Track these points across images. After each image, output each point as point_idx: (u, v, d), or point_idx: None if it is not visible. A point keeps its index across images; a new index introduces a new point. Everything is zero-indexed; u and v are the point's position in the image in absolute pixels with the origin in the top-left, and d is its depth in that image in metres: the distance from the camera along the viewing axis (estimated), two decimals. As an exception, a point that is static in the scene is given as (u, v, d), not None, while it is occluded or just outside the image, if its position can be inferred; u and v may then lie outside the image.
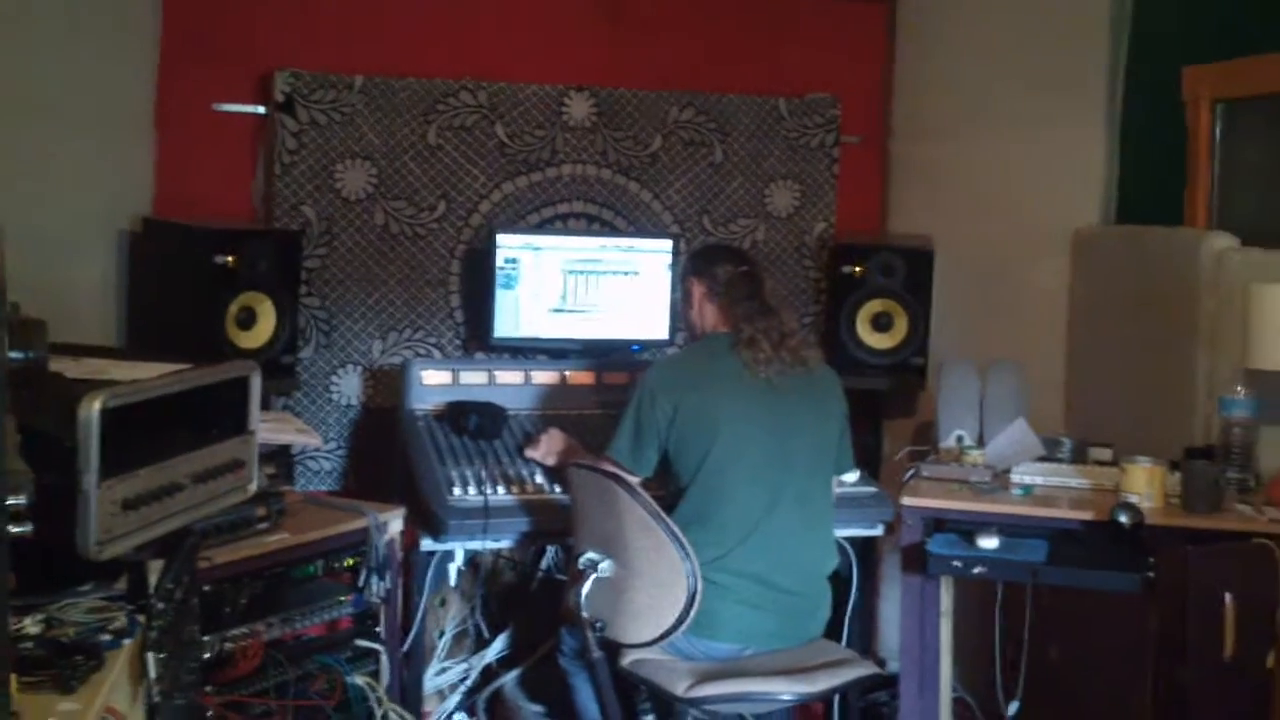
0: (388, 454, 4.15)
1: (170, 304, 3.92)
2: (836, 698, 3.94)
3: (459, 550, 3.74)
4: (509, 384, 4.19)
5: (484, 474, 3.75)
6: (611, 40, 4.74)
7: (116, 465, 1.92)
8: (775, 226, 4.86)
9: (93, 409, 1.86)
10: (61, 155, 3.73)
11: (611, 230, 4.67)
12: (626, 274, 4.45)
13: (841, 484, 3.69)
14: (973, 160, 4.74)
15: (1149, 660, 3.61)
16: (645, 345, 4.52)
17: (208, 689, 2.95)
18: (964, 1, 4.82)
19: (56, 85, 3.72)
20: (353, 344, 4.41)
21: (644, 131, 4.71)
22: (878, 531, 3.98)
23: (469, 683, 4.35)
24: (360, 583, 3.48)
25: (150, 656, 2.09)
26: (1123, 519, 3.39)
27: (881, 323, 4.58)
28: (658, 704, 3.47)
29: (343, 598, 3.44)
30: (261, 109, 4.32)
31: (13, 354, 1.73)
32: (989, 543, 3.50)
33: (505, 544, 3.84)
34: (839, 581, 3.67)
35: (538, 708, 4.22)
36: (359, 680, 3.41)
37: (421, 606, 3.74)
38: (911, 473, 3.93)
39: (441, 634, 4.34)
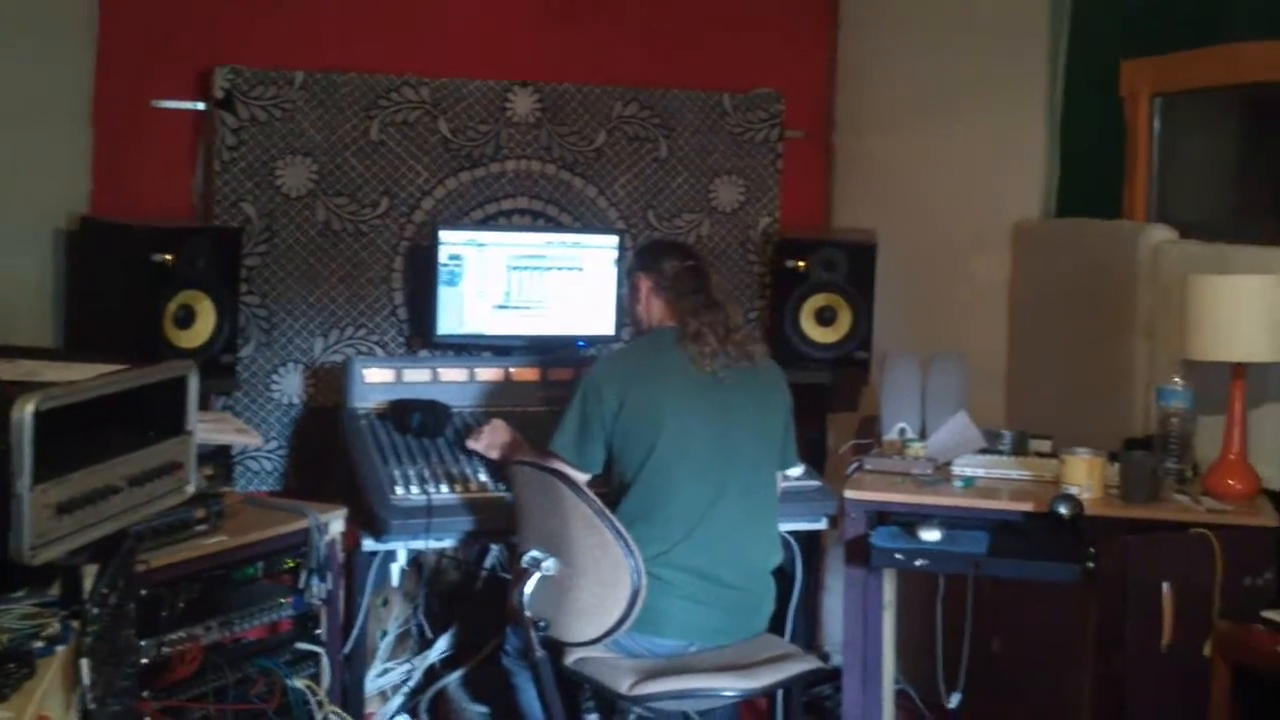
0: (329, 453, 4.12)
1: (108, 303, 3.87)
2: (780, 692, 3.94)
3: (401, 550, 3.72)
4: (453, 381, 4.16)
5: (427, 473, 3.74)
6: (555, 36, 4.72)
7: (50, 468, 1.90)
8: (720, 221, 4.87)
9: (25, 411, 1.85)
10: (-5, 153, 3.68)
11: (556, 226, 4.65)
12: (571, 270, 4.44)
13: (787, 478, 3.70)
14: (915, 154, 4.77)
15: (1089, 649, 3.66)
16: (591, 341, 4.51)
17: (145, 694, 2.92)
18: (905, -3, 4.85)
19: (-10, 82, 3.68)
20: (294, 342, 4.38)
21: (588, 127, 4.71)
22: (822, 525, 3.99)
23: (412, 684, 4.32)
24: (301, 584, 3.44)
25: (84, 663, 2.06)
26: (1062, 510, 3.42)
27: (825, 317, 4.60)
28: (602, 702, 3.47)
29: (283, 600, 3.41)
30: (201, 105, 4.28)
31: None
32: (931, 535, 3.52)
33: (448, 543, 3.82)
34: (783, 576, 3.69)
35: (481, 708, 4.21)
36: (299, 683, 3.38)
37: (363, 607, 3.71)
38: (855, 466, 3.95)
39: (384, 635, 4.32)
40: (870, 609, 3.80)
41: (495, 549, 4.30)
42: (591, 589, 3.19)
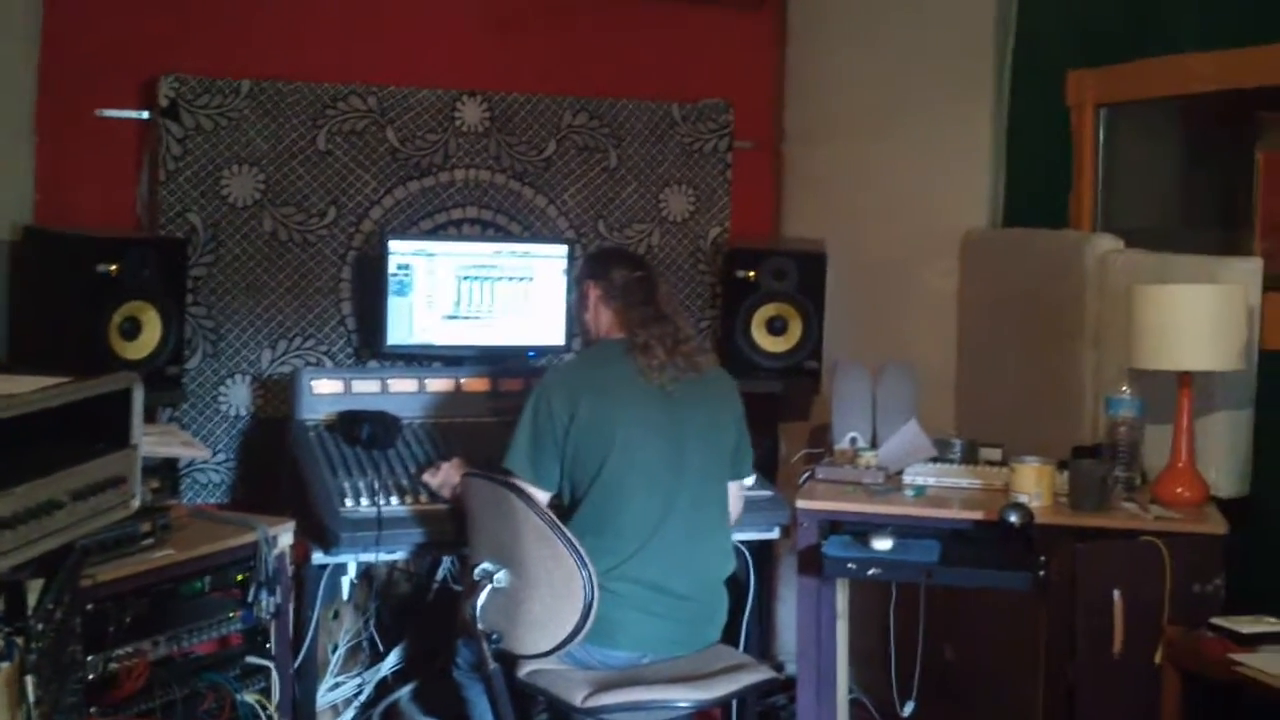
0: (278, 466, 4.07)
1: (52, 315, 3.83)
2: (735, 703, 3.94)
3: (351, 563, 3.68)
4: (402, 392, 4.13)
5: (377, 484, 3.71)
6: (504, 45, 4.71)
7: (-9, 483, 1.87)
8: (670, 231, 4.87)
9: (-35, 426, 1.81)
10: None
11: (506, 236, 4.64)
12: (521, 280, 4.43)
13: (744, 488, 3.68)
14: (863, 164, 4.79)
15: (1041, 657, 3.68)
16: (541, 351, 4.50)
17: (92, 710, 2.87)
18: (852, 7, 4.87)
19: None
20: (241, 353, 4.34)
21: (537, 136, 4.69)
22: (774, 535, 3.98)
23: (363, 698, 4.29)
24: (250, 598, 3.40)
25: (29, 679, 2.03)
26: (1013, 518, 3.43)
27: (776, 326, 4.61)
28: (555, 715, 3.45)
29: (232, 614, 3.37)
30: (145, 115, 4.23)
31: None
32: (883, 544, 3.53)
33: (399, 555, 3.78)
34: (736, 585, 3.68)
35: (433, 722, 4.19)
36: (249, 698, 3.34)
37: (313, 621, 3.67)
38: (807, 475, 3.96)
39: (335, 649, 4.28)
40: (823, 618, 3.80)
41: (446, 561, 4.27)
42: (544, 601, 3.17)
